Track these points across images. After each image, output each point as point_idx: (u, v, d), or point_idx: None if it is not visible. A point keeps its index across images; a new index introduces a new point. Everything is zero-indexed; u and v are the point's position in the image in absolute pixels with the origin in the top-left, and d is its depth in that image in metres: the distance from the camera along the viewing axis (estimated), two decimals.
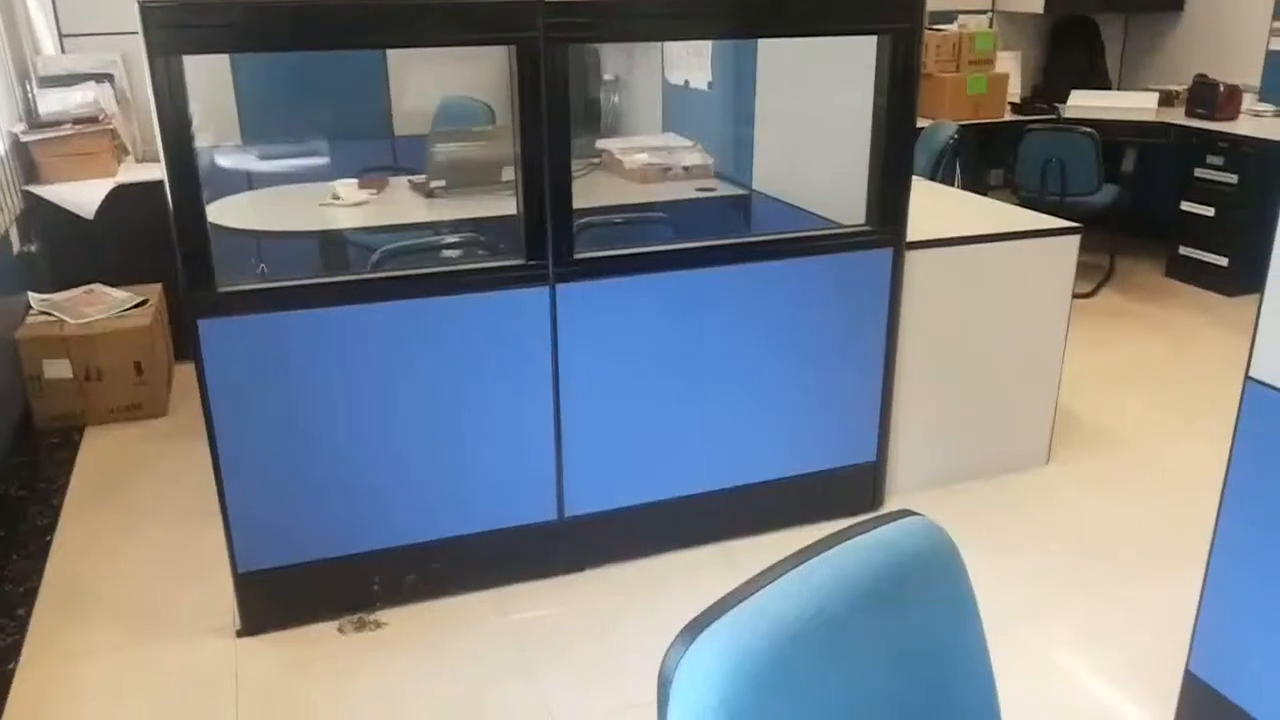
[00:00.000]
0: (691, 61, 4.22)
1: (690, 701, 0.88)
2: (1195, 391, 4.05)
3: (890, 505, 3.14)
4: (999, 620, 2.77)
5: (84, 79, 4.28)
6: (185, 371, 3.10)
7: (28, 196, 3.97)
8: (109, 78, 4.35)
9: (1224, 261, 5.16)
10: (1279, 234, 1.83)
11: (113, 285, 3.99)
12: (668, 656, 0.90)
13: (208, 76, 4.29)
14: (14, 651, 2.53)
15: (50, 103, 4.17)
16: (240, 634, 2.57)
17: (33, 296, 3.87)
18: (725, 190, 3.95)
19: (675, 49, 4.36)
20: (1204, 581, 2.10)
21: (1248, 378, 1.94)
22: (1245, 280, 5.01)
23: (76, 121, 4.12)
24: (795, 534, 2.89)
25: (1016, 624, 2.61)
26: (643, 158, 4.13)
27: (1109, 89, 6.16)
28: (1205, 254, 5.25)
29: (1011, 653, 2.49)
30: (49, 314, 3.78)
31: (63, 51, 4.40)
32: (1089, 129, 4.99)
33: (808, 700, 0.94)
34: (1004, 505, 3.20)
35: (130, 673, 2.46)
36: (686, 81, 4.31)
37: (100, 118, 4.19)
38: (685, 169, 4.09)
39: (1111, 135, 5.25)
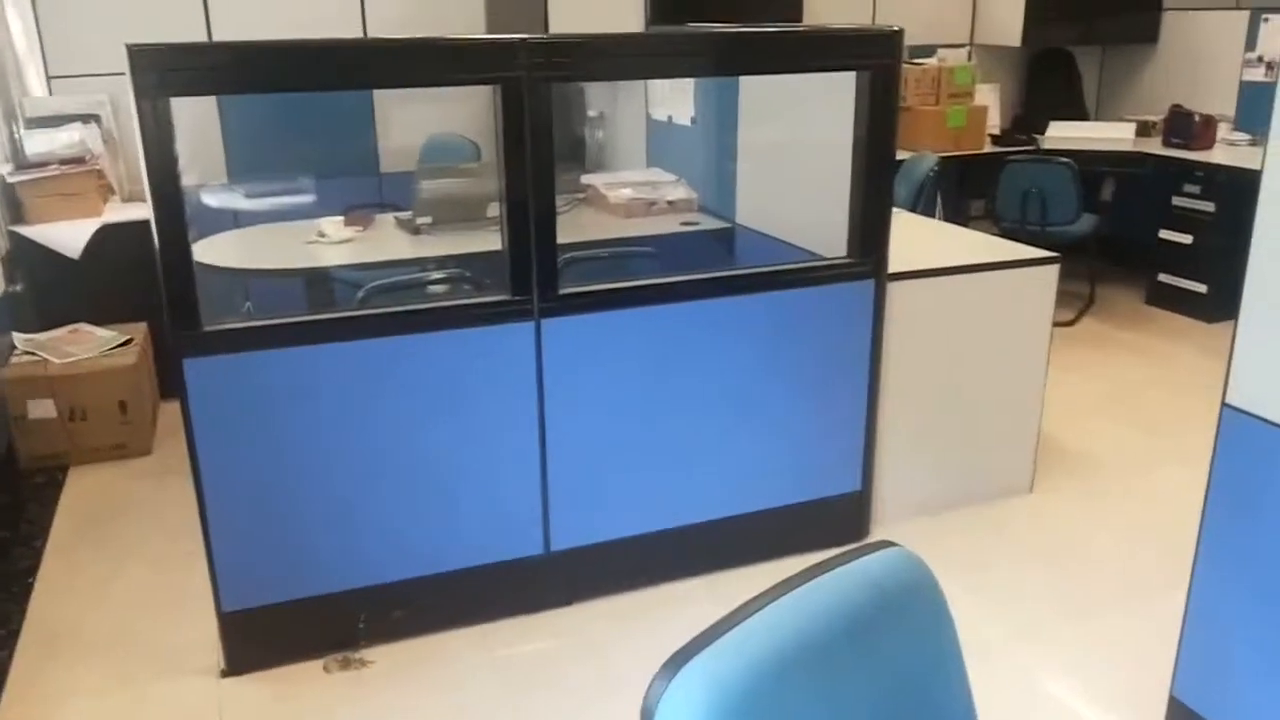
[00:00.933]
0: (675, 97, 4.26)
1: None
2: (1177, 417, 4.08)
3: (876, 534, 3.15)
4: (984, 647, 2.76)
5: (71, 120, 4.31)
6: (171, 410, 3.09)
7: (13, 237, 3.98)
8: (96, 118, 4.38)
9: (1203, 288, 5.23)
10: (1250, 264, 1.87)
11: (98, 324, 3.99)
12: (649, 691, 0.91)
13: (194, 115, 4.32)
14: None
15: (37, 143, 4.19)
16: (225, 674, 2.55)
17: (17, 336, 3.87)
18: (709, 224, 3.98)
19: (659, 86, 4.41)
20: (1186, 606, 2.11)
21: (1224, 404, 1.97)
22: (1225, 306, 5.06)
23: (63, 162, 4.14)
24: (783, 564, 2.88)
25: (1001, 650, 2.62)
26: (627, 192, 4.16)
27: (1086, 120, 6.25)
28: (1185, 281, 5.32)
29: (996, 679, 2.49)
30: (33, 354, 3.77)
31: (50, 93, 4.43)
32: (1067, 159, 5.06)
33: None
34: (989, 532, 3.21)
35: (114, 714, 2.44)
36: (670, 117, 4.35)
37: (87, 158, 4.21)
38: (669, 203, 4.13)
39: (1090, 165, 5.32)
